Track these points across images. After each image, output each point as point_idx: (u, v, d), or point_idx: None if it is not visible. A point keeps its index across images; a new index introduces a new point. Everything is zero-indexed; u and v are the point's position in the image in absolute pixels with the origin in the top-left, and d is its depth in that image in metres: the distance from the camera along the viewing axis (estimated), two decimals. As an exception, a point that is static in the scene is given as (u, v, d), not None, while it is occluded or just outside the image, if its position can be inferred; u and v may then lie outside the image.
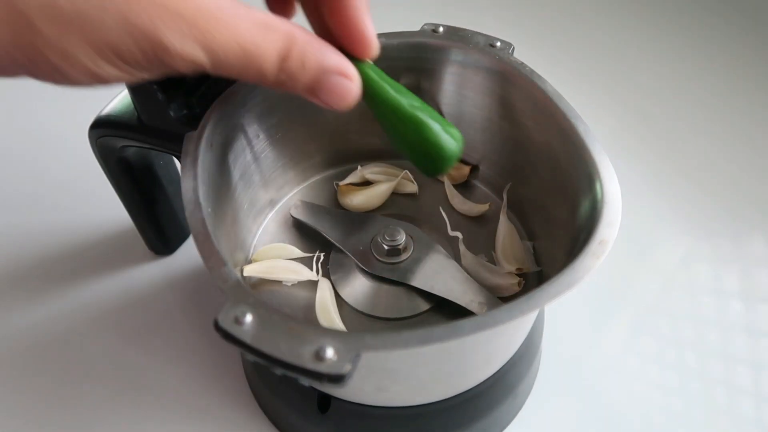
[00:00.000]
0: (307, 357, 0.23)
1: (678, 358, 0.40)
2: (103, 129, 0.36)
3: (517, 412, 0.38)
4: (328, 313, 0.34)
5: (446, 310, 0.35)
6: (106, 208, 0.47)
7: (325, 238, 0.37)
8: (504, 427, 0.37)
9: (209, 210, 0.29)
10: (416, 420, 0.33)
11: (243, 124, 0.35)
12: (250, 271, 0.36)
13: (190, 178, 0.29)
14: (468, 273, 0.35)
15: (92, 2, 0.20)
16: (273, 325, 0.24)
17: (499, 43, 0.35)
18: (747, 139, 0.53)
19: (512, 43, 0.35)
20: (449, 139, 0.30)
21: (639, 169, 0.51)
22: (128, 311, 0.43)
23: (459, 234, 0.37)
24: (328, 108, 0.26)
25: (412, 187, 0.41)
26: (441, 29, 0.36)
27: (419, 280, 0.35)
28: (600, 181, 0.29)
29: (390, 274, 0.35)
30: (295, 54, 0.24)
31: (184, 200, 0.28)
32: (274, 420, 0.38)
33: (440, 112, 0.38)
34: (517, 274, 0.35)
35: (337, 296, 0.36)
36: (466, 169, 0.40)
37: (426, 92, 0.38)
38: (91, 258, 0.46)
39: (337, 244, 0.37)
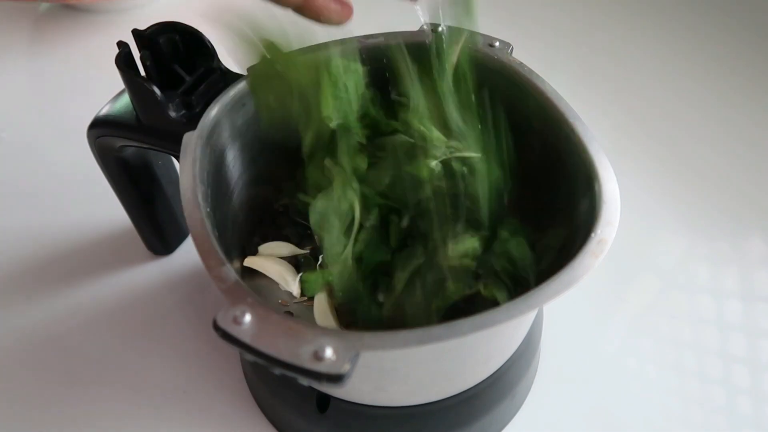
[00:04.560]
0: (306, 357, 0.23)
1: (676, 358, 0.40)
2: (101, 129, 0.36)
3: (515, 412, 0.38)
4: (326, 314, 0.34)
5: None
6: (104, 208, 0.47)
7: (323, 237, 0.37)
8: (502, 428, 0.37)
9: (208, 210, 0.29)
10: (415, 420, 0.33)
11: (242, 123, 0.34)
12: (250, 262, 0.36)
13: (189, 178, 0.29)
14: None
15: None
16: (272, 325, 0.24)
17: (498, 43, 0.35)
18: (745, 139, 0.54)
19: (511, 43, 0.35)
20: None
21: (638, 169, 0.51)
22: (127, 311, 0.43)
23: None
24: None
25: None
26: (440, 29, 0.36)
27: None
28: (599, 181, 0.29)
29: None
30: None
31: (183, 200, 0.28)
32: (272, 420, 0.38)
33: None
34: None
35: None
36: None
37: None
38: (89, 258, 0.46)
39: (336, 244, 0.37)
